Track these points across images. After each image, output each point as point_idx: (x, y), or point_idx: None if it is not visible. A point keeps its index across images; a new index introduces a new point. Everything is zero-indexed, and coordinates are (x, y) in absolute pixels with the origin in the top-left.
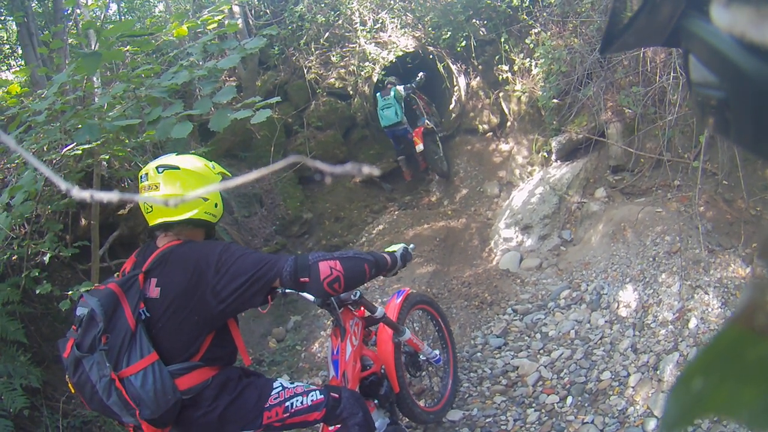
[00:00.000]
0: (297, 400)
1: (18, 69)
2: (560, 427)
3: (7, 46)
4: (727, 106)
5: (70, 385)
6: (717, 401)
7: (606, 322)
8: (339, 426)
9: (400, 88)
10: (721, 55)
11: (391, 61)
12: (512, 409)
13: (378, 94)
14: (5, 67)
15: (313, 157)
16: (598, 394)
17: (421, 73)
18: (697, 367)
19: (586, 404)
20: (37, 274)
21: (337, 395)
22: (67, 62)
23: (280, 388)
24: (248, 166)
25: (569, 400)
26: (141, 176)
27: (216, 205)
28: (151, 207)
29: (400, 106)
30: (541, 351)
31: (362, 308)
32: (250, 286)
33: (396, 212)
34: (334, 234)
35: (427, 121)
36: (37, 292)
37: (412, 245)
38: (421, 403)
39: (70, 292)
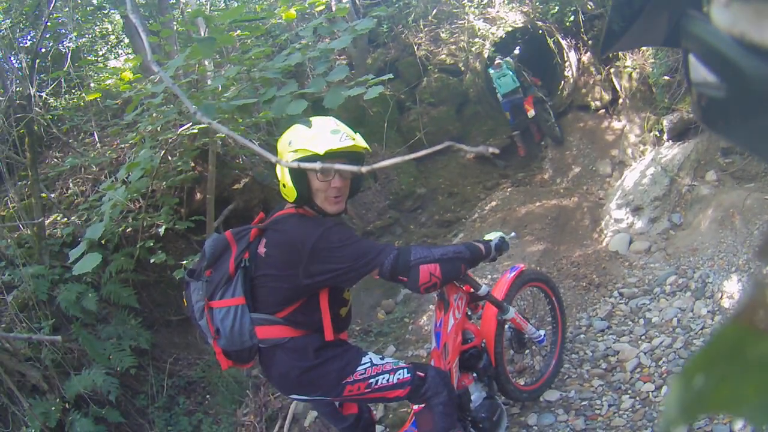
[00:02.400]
0: (383, 378)
1: (129, 58)
2: (652, 416)
3: (113, 37)
4: (727, 106)
5: (184, 300)
6: (718, 398)
7: (708, 312)
8: (423, 404)
9: (509, 59)
10: (721, 55)
11: (500, 37)
12: (608, 393)
13: (490, 69)
14: (113, 57)
15: (426, 134)
16: None
17: (518, 46)
18: (698, 364)
19: None
20: (151, 244)
21: (423, 374)
22: (176, 48)
23: (369, 365)
24: None
25: (664, 389)
26: (332, 131)
27: (284, 186)
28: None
29: (515, 74)
30: (643, 337)
31: (467, 285)
32: (343, 274)
33: (509, 189)
34: (447, 209)
35: (536, 89)
36: (152, 261)
37: (512, 233)
38: (521, 381)
39: (184, 262)
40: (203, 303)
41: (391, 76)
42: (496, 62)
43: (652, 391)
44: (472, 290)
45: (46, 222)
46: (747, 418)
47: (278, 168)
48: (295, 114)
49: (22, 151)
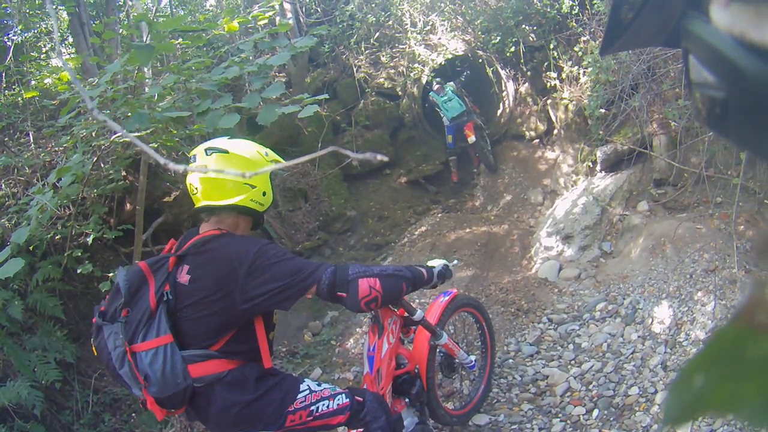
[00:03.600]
0: (323, 404)
1: (69, 57)
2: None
3: (58, 34)
4: (727, 106)
5: (93, 348)
6: (718, 398)
7: (639, 337)
8: (362, 429)
9: (451, 83)
10: (721, 55)
11: (440, 64)
12: (538, 417)
13: (432, 93)
14: (55, 55)
15: None
16: (624, 409)
17: (465, 72)
18: (698, 364)
19: (612, 418)
20: (79, 254)
21: (361, 398)
22: (118, 53)
23: (307, 392)
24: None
25: (595, 413)
26: (191, 157)
27: (264, 194)
28: (197, 189)
29: (460, 98)
30: (573, 362)
31: (402, 308)
32: (281, 292)
33: (439, 214)
34: (377, 233)
35: (475, 116)
36: (79, 271)
37: (455, 261)
38: (449, 405)
39: (111, 274)
40: (122, 348)
41: (326, 96)
42: (435, 86)
43: (583, 414)
44: (406, 314)
45: None
46: (747, 418)
47: (256, 176)
48: (227, 128)
49: None
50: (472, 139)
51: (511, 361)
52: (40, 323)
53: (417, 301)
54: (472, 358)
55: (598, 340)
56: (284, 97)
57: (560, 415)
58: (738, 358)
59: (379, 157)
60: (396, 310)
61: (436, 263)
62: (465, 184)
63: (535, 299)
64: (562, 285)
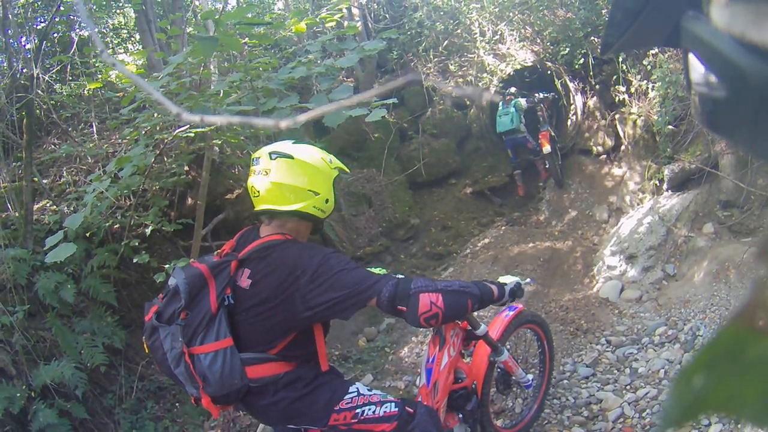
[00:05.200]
0: (369, 409)
1: (135, 52)
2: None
3: (125, 31)
4: (726, 106)
5: (145, 345)
6: (718, 399)
7: None
8: None
9: (522, 101)
10: (721, 55)
11: (509, 74)
12: None
13: (500, 103)
14: (122, 50)
15: (426, 165)
16: None
17: (549, 94)
18: (698, 365)
19: None
20: (137, 244)
21: (412, 410)
22: (184, 50)
23: (356, 394)
24: (360, 166)
25: None
26: (254, 159)
27: (327, 201)
28: (258, 192)
29: (519, 116)
30: (628, 387)
31: (465, 321)
32: (341, 302)
33: (503, 227)
34: (439, 242)
35: (549, 127)
36: (135, 260)
37: (528, 279)
38: (499, 423)
39: (167, 265)
40: (179, 350)
41: (395, 101)
42: (507, 96)
43: None
44: (469, 328)
45: (35, 207)
46: (747, 418)
47: (319, 183)
48: (293, 128)
49: (20, 132)
50: (547, 148)
51: (566, 381)
52: (92, 308)
53: (478, 313)
54: (530, 377)
55: (656, 366)
56: None
57: None
58: (738, 358)
59: (487, 94)
60: (459, 323)
61: (509, 280)
62: (531, 198)
63: (595, 319)
64: (623, 306)
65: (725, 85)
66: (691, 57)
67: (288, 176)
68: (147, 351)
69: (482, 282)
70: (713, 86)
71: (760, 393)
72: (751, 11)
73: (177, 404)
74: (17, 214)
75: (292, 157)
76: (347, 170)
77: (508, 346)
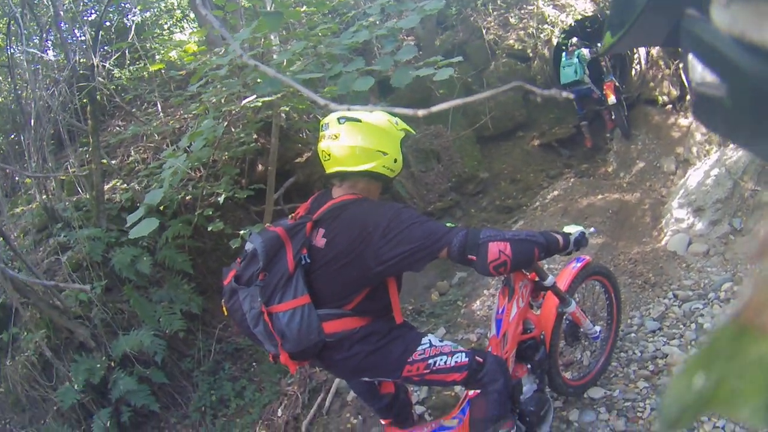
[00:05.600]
0: (441, 359)
1: (194, 31)
2: (692, 426)
3: (179, 12)
4: (726, 105)
5: (224, 308)
6: (717, 398)
7: None
8: (479, 390)
9: (585, 51)
10: (721, 55)
11: (570, 25)
12: (653, 397)
13: (563, 54)
14: (178, 30)
15: (492, 118)
16: None
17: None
18: (698, 364)
19: None
20: (210, 212)
21: (481, 360)
22: (242, 23)
23: (428, 345)
24: (427, 123)
25: None
26: (323, 125)
27: (395, 161)
28: (329, 155)
29: (582, 67)
30: (693, 342)
31: (534, 272)
32: (413, 254)
33: (572, 179)
34: (509, 195)
35: (613, 78)
36: (209, 228)
37: (591, 229)
38: (567, 375)
39: (241, 231)
40: (258, 309)
41: (460, 58)
42: (570, 47)
43: None
44: (537, 279)
45: (106, 187)
46: (747, 418)
47: (387, 144)
48: (361, 90)
49: (84, 118)
50: (612, 99)
51: (633, 335)
52: (168, 277)
53: (547, 266)
54: (597, 328)
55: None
56: (416, 60)
57: None
58: (738, 357)
59: (564, 94)
60: (528, 274)
61: (573, 230)
62: (598, 149)
63: (663, 273)
64: (690, 260)
65: (725, 85)
66: (691, 57)
67: (357, 138)
68: (226, 314)
69: (548, 231)
70: (713, 86)
71: (759, 392)
72: (751, 11)
73: (254, 364)
74: (88, 196)
75: (360, 121)
76: (413, 131)
77: (577, 298)
